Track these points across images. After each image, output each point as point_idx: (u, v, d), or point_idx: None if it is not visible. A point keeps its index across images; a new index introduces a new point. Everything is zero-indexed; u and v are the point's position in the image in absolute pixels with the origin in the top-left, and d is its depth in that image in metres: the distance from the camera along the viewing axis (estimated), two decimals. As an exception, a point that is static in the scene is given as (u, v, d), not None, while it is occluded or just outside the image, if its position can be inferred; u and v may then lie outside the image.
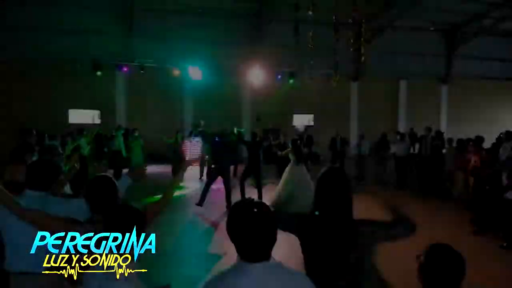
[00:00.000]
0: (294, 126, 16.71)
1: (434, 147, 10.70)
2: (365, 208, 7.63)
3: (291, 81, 17.13)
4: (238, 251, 1.65)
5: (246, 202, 1.72)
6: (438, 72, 21.58)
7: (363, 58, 9.30)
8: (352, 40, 10.50)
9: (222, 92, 17.08)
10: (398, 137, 12.13)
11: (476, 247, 6.16)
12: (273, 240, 1.65)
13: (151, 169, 13.96)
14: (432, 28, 18.98)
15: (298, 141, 9.21)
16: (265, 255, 1.63)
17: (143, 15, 16.63)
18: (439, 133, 11.68)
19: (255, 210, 1.64)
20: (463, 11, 18.46)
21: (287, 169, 8.63)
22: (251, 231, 1.60)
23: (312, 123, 17.32)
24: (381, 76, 20.64)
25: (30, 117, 13.38)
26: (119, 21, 16.42)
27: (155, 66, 16.33)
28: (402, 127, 18.97)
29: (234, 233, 1.64)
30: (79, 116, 15.23)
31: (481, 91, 21.76)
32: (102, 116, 15.35)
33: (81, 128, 10.93)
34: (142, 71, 15.83)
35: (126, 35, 16.27)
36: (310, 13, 14.04)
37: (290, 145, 9.06)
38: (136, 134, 13.03)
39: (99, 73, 15.50)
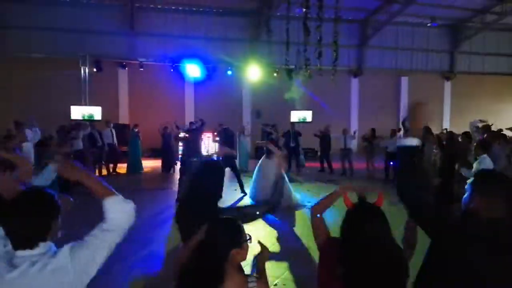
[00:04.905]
0: (292, 123, 16.79)
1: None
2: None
3: (290, 77, 17.29)
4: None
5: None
6: (441, 68, 21.38)
7: (335, 54, 9.41)
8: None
9: (222, 88, 17.38)
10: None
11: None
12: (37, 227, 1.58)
13: (152, 163, 14.40)
14: (428, 24, 18.79)
15: (272, 135, 9.37)
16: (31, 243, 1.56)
17: (144, 13, 17.02)
18: (427, 129, 11.66)
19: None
20: (466, 6, 18.27)
21: (259, 161, 8.77)
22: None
23: (310, 120, 17.31)
24: (382, 72, 20.58)
25: (32, 113, 13.80)
26: (121, 19, 16.80)
27: (156, 64, 16.72)
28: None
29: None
30: (81, 112, 15.64)
31: (484, 87, 21.49)
32: (104, 113, 15.73)
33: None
34: (141, 69, 16.29)
35: (127, 33, 16.65)
36: (304, 9, 14.22)
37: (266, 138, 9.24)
38: (136, 130, 13.50)
39: (98, 70, 15.98)
